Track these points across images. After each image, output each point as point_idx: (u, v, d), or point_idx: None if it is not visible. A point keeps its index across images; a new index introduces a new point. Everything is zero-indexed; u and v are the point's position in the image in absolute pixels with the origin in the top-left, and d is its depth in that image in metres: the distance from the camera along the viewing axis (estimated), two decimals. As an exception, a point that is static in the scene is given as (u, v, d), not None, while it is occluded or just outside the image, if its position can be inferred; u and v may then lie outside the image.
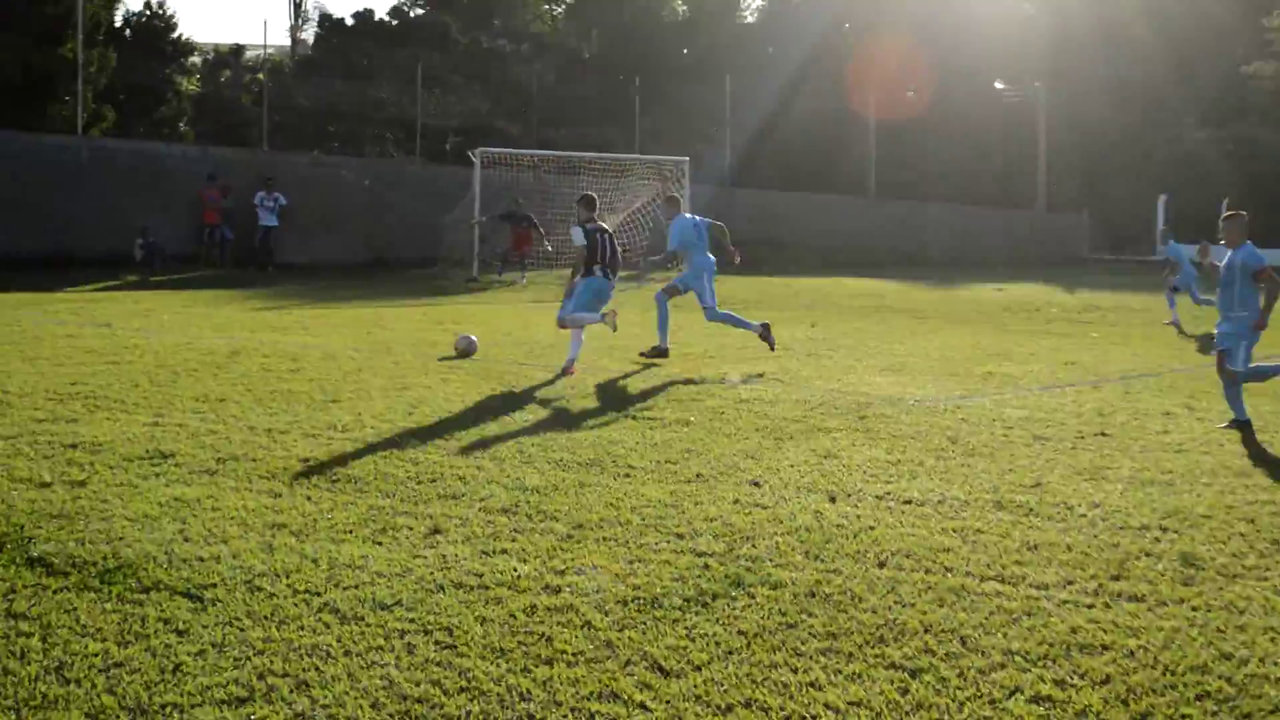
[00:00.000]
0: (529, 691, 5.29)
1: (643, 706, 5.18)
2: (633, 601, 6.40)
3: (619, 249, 16.68)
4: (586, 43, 78.57)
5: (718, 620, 6.18)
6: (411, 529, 7.67)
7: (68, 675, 5.32)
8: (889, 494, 8.94)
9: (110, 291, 26.49)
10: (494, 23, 77.70)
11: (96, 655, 5.53)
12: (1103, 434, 11.66)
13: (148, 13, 48.82)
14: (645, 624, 6.10)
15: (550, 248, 34.42)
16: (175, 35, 49.41)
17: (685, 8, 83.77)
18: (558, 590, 6.56)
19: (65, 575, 6.58)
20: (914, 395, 13.80)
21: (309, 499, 8.39)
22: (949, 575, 6.99)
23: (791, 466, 9.80)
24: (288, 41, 78.51)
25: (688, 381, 14.42)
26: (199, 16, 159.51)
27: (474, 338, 16.57)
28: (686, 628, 6.06)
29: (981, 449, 10.78)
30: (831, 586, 6.72)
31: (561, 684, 5.37)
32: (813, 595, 6.58)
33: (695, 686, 5.39)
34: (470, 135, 48.20)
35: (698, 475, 9.41)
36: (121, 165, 33.58)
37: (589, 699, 5.24)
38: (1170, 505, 8.73)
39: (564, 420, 11.70)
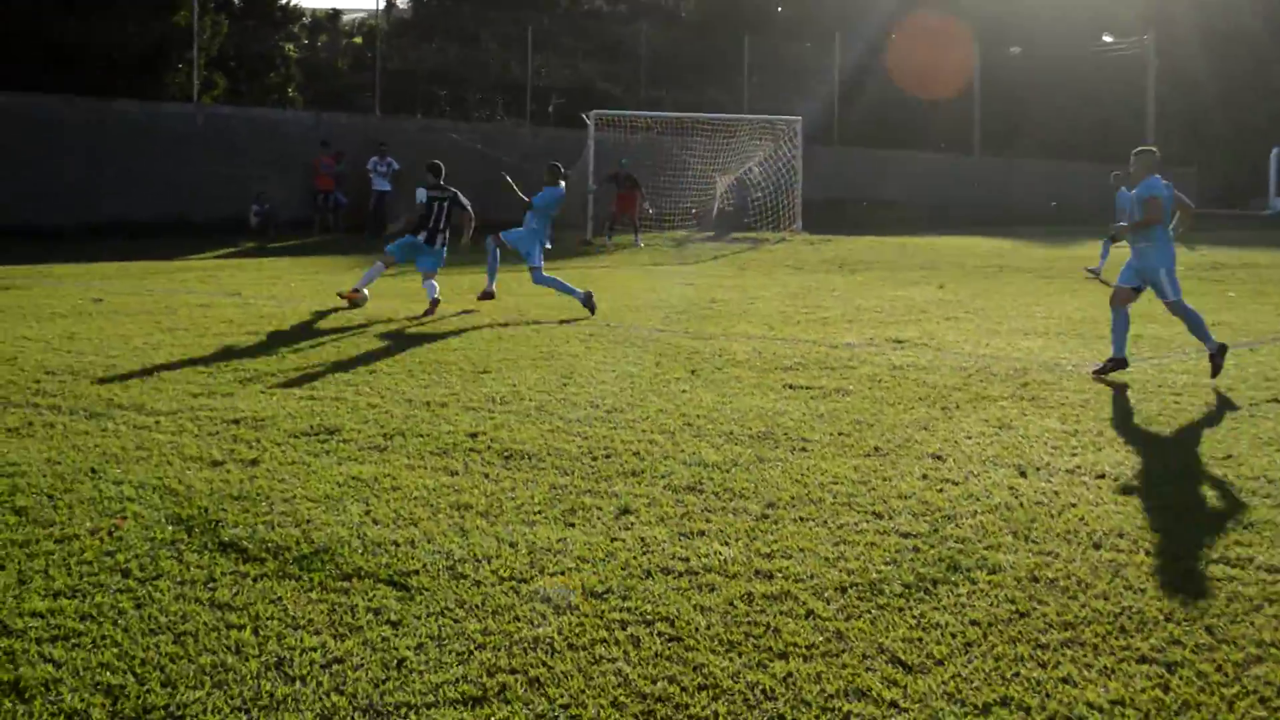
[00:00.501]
0: (772, 690, 5.04)
1: (894, 705, 4.93)
2: (851, 588, 6.14)
3: (459, 218, 18.52)
4: (683, 1, 77.96)
5: (945, 608, 5.91)
6: (600, 509, 7.45)
7: (290, 672, 5.13)
8: (1079, 468, 8.61)
9: (231, 259, 26.53)
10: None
11: (315, 650, 5.34)
12: (1276, 400, 11.26)
13: (257, -22, 48.92)
14: (871, 613, 5.84)
15: (650, 209, 34.12)
16: (284, 2, 49.47)
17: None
18: (770, 576, 6.31)
19: (261, 561, 6.41)
20: (1069, 361, 13.45)
21: (486, 476, 8.20)
22: (1173, 558, 6.67)
23: (969, 438, 9.50)
24: (383, 4, 78.57)
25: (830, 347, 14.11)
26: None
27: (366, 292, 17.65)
28: (915, 617, 5.79)
29: (1158, 418, 10.43)
30: (1053, 571, 6.43)
31: (804, 681, 5.12)
32: (1035, 580, 6.29)
33: (944, 683, 5.12)
34: (573, 97, 47.91)
35: (875, 449, 9.13)
36: (236, 132, 33.65)
37: (836, 697, 4.98)
38: (1380, 479, 8.35)
39: (719, 389, 11.43)
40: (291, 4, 50.10)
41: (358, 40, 69.07)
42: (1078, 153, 59.24)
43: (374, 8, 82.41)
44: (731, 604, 5.93)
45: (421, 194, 18.89)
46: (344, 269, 24.24)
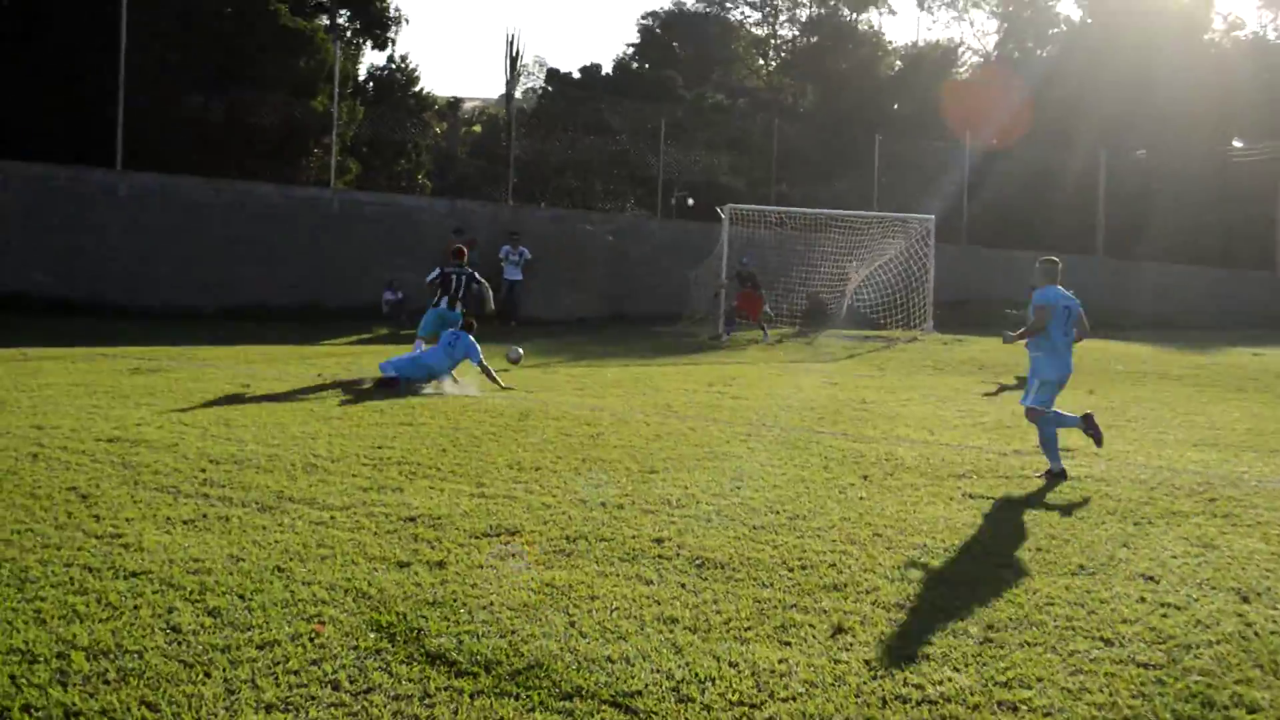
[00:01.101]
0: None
1: None
2: (1109, 727, 5.75)
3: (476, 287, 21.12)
4: (801, 98, 78.18)
5: (1216, 753, 5.50)
6: (813, 626, 7.11)
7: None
8: (1303, 595, 8.15)
9: (365, 345, 26.50)
10: (712, 77, 77.78)
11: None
12: None
13: (391, 66, 49.42)
14: (1138, 756, 5.44)
15: (771, 312, 33.87)
16: (417, 89, 49.96)
17: (900, 63, 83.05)
18: (1014, 708, 5.94)
19: (474, 676, 6.12)
20: (1249, 475, 12.92)
21: (683, 586, 7.88)
22: None
23: (1174, 558, 9.06)
24: (518, 95, 79.48)
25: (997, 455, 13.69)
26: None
27: (520, 350, 20.54)
28: (1189, 763, 5.39)
29: (1365, 542, 9.92)
30: (1316, 711, 6.01)
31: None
32: (1302, 723, 5.87)
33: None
34: (699, 190, 47.92)
35: (1080, 567, 8.72)
36: (370, 217, 33.78)
37: None
38: None
39: (898, 497, 11.07)
40: (425, 91, 50.63)
41: (476, 128, 69.76)
42: (1203, 258, 58.37)
43: (493, 96, 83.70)
44: (984, 741, 5.55)
45: (434, 272, 21.50)
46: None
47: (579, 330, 32.79)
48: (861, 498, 10.98)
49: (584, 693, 5.95)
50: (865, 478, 12.02)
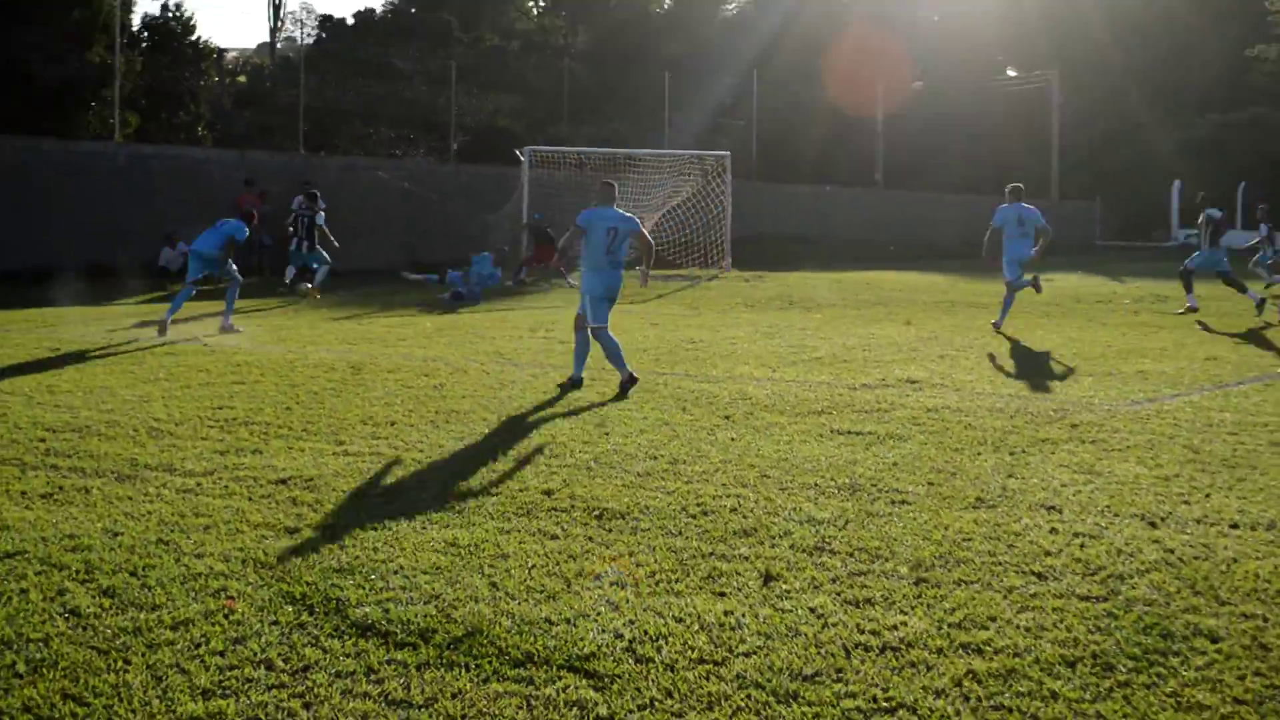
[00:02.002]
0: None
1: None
2: (1078, 664, 5.60)
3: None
4: (573, 38, 77.80)
5: (1197, 685, 5.38)
6: (741, 574, 6.86)
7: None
8: (1205, 517, 8.14)
9: (164, 303, 25.46)
10: (484, 20, 76.85)
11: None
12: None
13: (167, 15, 47.63)
14: (1125, 694, 5.30)
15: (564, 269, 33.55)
16: (194, 38, 48.23)
17: (670, 2, 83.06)
18: (979, 651, 5.76)
19: (413, 648, 5.75)
20: (1099, 399, 13.03)
21: (591, 539, 7.58)
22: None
23: (1064, 486, 9.02)
24: (298, 41, 77.72)
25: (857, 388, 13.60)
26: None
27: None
28: (1177, 698, 5.26)
29: (1236, 460, 10.00)
30: (1272, 636, 5.94)
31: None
32: (1266, 649, 5.79)
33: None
34: (479, 134, 47.26)
35: (979, 499, 8.62)
36: (158, 171, 32.50)
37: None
38: None
39: (770, 438, 10.87)
40: (202, 41, 48.90)
41: (242, 79, 67.88)
42: (983, 187, 59.54)
43: (251, 45, 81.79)
44: (961, 685, 5.36)
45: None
46: (291, 312, 23.46)
47: (382, 281, 32.01)
48: (733, 439, 10.76)
49: (535, 659, 5.61)
50: (728, 418, 11.81)
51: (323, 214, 26.55)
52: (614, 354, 13.53)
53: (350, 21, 67.73)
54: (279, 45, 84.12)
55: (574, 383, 13.55)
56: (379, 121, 44.49)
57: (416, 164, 40.97)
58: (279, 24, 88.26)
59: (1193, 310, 24.03)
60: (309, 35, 79.49)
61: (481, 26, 72.30)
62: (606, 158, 36.53)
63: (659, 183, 35.62)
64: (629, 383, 13.31)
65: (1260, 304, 23.25)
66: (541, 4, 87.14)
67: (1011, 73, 69.20)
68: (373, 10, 71.30)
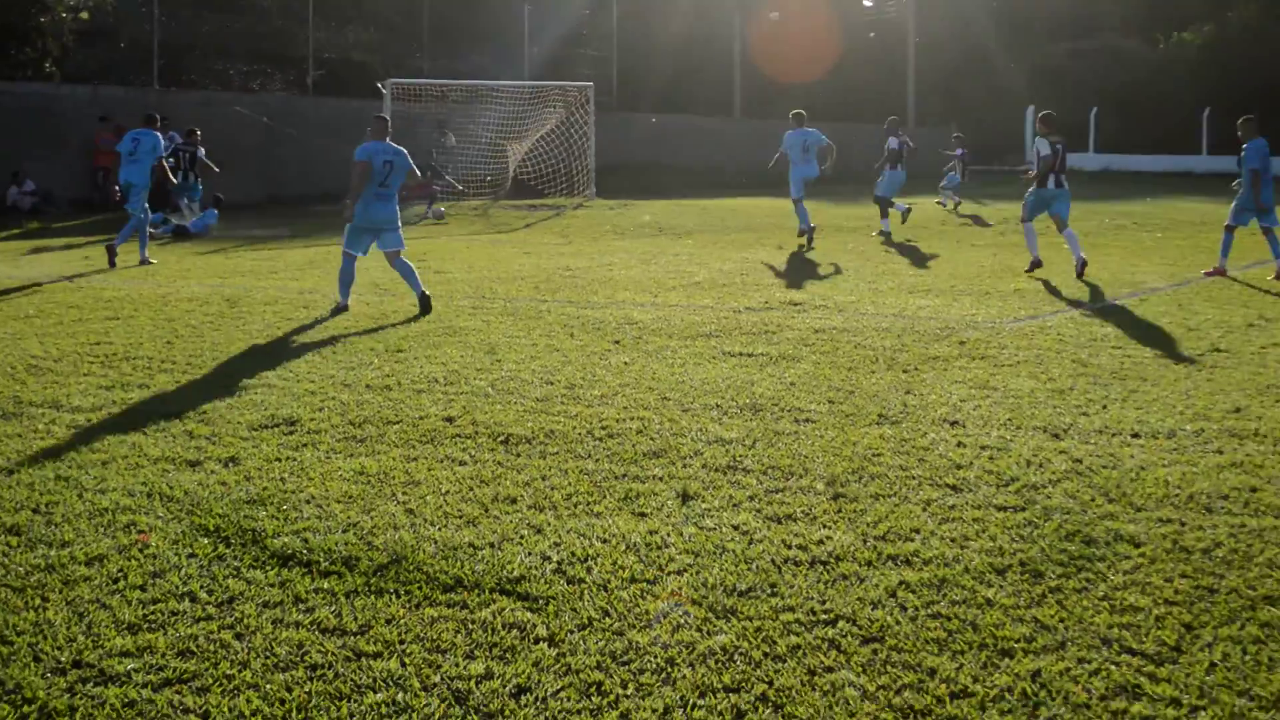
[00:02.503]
0: (1034, 692, 4.50)
1: (1176, 703, 4.41)
2: (1008, 572, 5.62)
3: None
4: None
5: (1128, 588, 5.43)
6: (657, 494, 6.81)
7: (479, 706, 4.44)
8: (1106, 428, 8.24)
9: (19, 240, 24.79)
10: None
11: (492, 679, 4.64)
12: (1217, 349, 11.16)
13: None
14: (1058, 599, 5.32)
15: (439, 188, 33.17)
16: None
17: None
18: (909, 562, 5.77)
19: (339, 576, 5.63)
20: (980, 317, 13.16)
21: (501, 465, 7.48)
22: (1297, 520, 6.30)
23: (963, 402, 9.08)
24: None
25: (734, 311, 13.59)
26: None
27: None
28: (1105, 600, 5.30)
29: (1126, 373, 10.17)
30: (1191, 539, 6.00)
31: (1054, 678, 4.58)
32: (1187, 551, 5.85)
33: (1208, 670, 4.64)
34: (337, 68, 46.39)
35: (881, 415, 8.65)
36: (7, 108, 31.53)
37: (1109, 697, 4.46)
38: None
39: (664, 361, 10.82)
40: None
41: (85, 15, 66.12)
42: (841, 115, 59.77)
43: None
44: (895, 595, 5.36)
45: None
46: (154, 248, 22.92)
47: (242, 215, 31.37)
48: (626, 363, 10.70)
49: (465, 583, 5.51)
50: (617, 343, 11.74)
51: (203, 149, 25.93)
52: (343, 280, 14.26)
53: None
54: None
55: (339, 309, 14.06)
56: (234, 56, 43.49)
57: (274, 98, 40.19)
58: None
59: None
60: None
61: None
62: (469, 90, 36.12)
63: (525, 114, 35.31)
64: (339, 311, 13.98)
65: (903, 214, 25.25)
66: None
67: (868, 3, 69.55)
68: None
